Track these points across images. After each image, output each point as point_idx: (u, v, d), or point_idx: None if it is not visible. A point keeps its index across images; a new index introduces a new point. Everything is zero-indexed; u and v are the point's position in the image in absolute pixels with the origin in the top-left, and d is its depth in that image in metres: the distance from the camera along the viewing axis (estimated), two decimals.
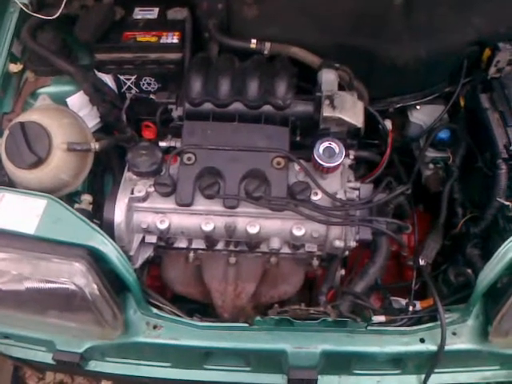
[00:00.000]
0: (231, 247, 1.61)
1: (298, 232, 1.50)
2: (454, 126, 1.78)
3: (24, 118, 1.52)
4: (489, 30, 1.69)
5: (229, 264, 1.60)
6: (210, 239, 1.57)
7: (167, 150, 1.60)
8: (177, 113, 1.64)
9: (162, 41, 1.69)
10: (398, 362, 1.57)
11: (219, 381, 1.64)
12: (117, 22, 1.73)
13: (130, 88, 1.76)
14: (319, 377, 1.52)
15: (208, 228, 1.50)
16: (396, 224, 1.54)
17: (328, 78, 1.60)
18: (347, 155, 1.57)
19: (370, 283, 1.59)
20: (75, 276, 1.34)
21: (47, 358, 1.62)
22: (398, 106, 1.84)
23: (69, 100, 1.70)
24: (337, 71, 1.64)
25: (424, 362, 1.53)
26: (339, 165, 1.50)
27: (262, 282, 1.61)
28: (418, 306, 1.61)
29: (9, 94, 1.69)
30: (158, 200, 1.53)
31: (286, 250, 1.60)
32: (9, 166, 1.49)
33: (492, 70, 1.71)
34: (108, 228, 1.47)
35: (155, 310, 1.52)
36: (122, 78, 1.73)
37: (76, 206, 1.58)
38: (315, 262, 1.62)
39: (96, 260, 1.35)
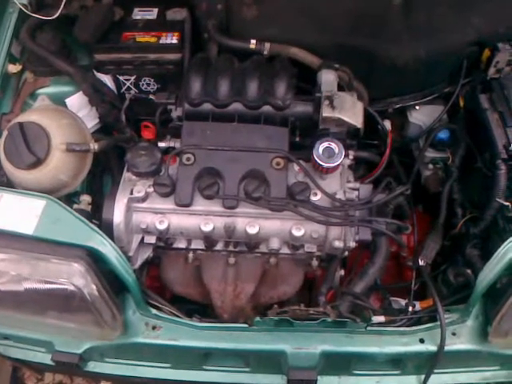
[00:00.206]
0: (230, 248, 1.61)
1: (298, 232, 1.50)
2: (453, 127, 1.77)
3: (23, 118, 1.52)
4: (488, 30, 1.69)
5: (228, 264, 1.59)
6: (209, 240, 1.56)
7: (166, 151, 1.59)
8: (176, 113, 1.64)
9: (161, 41, 1.69)
10: (398, 363, 1.57)
11: (218, 381, 1.64)
12: (116, 23, 1.73)
13: (129, 88, 1.75)
14: (319, 377, 1.52)
15: (207, 228, 1.50)
16: (395, 224, 1.54)
17: (327, 79, 1.60)
18: (347, 155, 1.57)
19: (369, 283, 1.59)
20: (74, 276, 1.34)
21: (46, 358, 1.62)
22: (398, 106, 1.84)
23: (68, 100, 1.70)
24: (336, 72, 1.64)
25: (424, 363, 1.53)
26: (339, 165, 1.50)
27: (262, 282, 1.60)
28: (418, 306, 1.60)
29: (8, 95, 1.69)
30: (158, 200, 1.53)
31: (285, 250, 1.60)
32: (8, 166, 1.49)
33: (491, 70, 1.71)
34: (107, 228, 1.47)
35: (154, 311, 1.52)
36: (121, 78, 1.73)
37: (75, 206, 1.57)
38: (315, 263, 1.62)
39: (95, 260, 1.35)
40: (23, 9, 1.69)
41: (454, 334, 1.50)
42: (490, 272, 1.40)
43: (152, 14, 1.78)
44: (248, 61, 1.65)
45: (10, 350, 1.70)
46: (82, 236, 1.35)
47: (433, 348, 1.48)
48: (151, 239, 1.58)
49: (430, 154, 1.81)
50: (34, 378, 2.54)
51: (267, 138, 1.55)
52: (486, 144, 1.61)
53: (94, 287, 1.36)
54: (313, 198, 1.51)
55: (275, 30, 1.71)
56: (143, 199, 1.52)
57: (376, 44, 1.69)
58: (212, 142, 1.54)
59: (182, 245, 1.62)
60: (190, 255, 1.62)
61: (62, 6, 1.65)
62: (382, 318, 1.52)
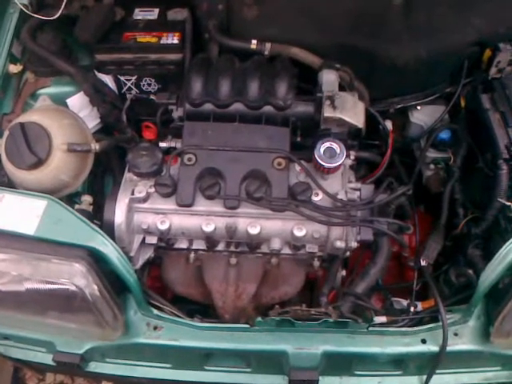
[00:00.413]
0: (232, 248, 1.61)
1: (299, 233, 1.50)
2: (454, 127, 1.77)
3: (24, 118, 1.51)
4: (489, 30, 1.69)
5: (229, 265, 1.59)
6: (210, 240, 1.56)
7: (167, 151, 1.59)
8: (177, 113, 1.64)
9: (162, 41, 1.69)
10: (400, 363, 1.57)
11: (220, 382, 1.63)
12: (117, 23, 1.73)
13: (130, 89, 1.75)
14: (320, 378, 1.52)
15: (209, 229, 1.50)
16: (397, 224, 1.54)
17: (329, 79, 1.60)
18: (348, 156, 1.57)
19: (371, 284, 1.58)
20: (75, 277, 1.34)
21: (47, 359, 1.62)
22: (399, 106, 1.84)
23: (69, 101, 1.69)
24: (337, 72, 1.63)
25: (425, 363, 1.53)
26: (340, 165, 1.50)
27: (263, 282, 1.60)
28: (420, 306, 1.60)
29: (9, 95, 1.69)
30: (159, 201, 1.53)
31: (286, 250, 1.59)
32: (9, 166, 1.49)
33: (493, 70, 1.71)
34: (108, 229, 1.47)
35: (156, 311, 1.52)
36: (122, 78, 1.73)
37: (76, 206, 1.57)
38: (316, 263, 1.62)
39: (96, 261, 1.35)
40: (24, 9, 1.69)
41: (455, 334, 1.50)
42: (491, 272, 1.39)
43: (153, 14, 1.78)
44: (249, 61, 1.65)
45: (11, 350, 1.70)
46: (84, 236, 1.35)
47: (435, 348, 1.48)
48: (152, 239, 1.58)
49: (432, 154, 1.81)
50: (35, 379, 2.53)
51: (268, 138, 1.55)
52: (487, 144, 1.61)
53: (96, 287, 1.36)
54: (314, 199, 1.50)
55: (276, 30, 1.71)
56: (144, 199, 1.52)
57: (376, 44, 1.69)
58: (213, 142, 1.54)
59: (183, 245, 1.61)
60: (192, 255, 1.61)
61: (62, 6, 1.65)
62: (383, 319, 1.51)
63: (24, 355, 1.69)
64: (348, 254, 1.59)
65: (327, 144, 1.49)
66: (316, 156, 1.48)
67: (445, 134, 1.78)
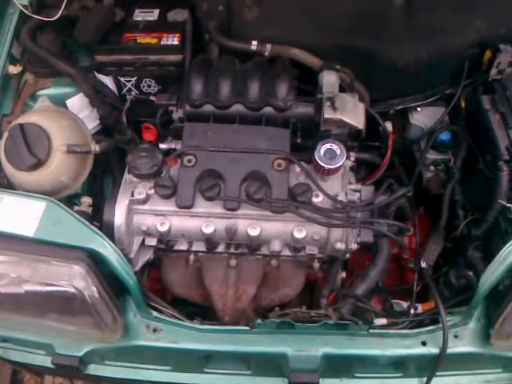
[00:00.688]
0: (232, 250, 1.60)
1: (299, 234, 1.49)
2: (455, 128, 1.77)
3: (23, 119, 1.51)
4: (489, 32, 1.69)
5: (229, 266, 1.59)
6: (210, 241, 1.56)
7: (167, 152, 1.59)
8: (177, 114, 1.64)
9: (162, 42, 1.68)
10: (400, 365, 1.56)
11: None
12: (117, 24, 1.73)
13: (130, 90, 1.75)
14: (320, 380, 1.51)
15: (208, 230, 1.50)
16: (397, 226, 1.54)
17: (329, 80, 1.60)
18: (348, 157, 1.57)
19: (371, 286, 1.58)
20: (75, 279, 1.33)
21: (46, 361, 1.61)
22: (399, 107, 1.84)
23: (68, 102, 1.69)
24: (338, 73, 1.63)
25: (426, 365, 1.52)
26: (340, 167, 1.50)
27: (263, 284, 1.60)
28: (420, 308, 1.60)
29: (8, 96, 1.69)
30: (159, 202, 1.52)
31: (286, 252, 1.59)
32: (8, 167, 1.48)
33: (493, 71, 1.71)
34: (108, 230, 1.46)
35: (155, 313, 1.51)
36: (122, 79, 1.72)
37: (76, 208, 1.57)
38: (316, 265, 1.62)
39: (96, 263, 1.35)
40: (24, 10, 1.69)
41: (456, 336, 1.49)
42: (492, 274, 1.39)
43: (153, 15, 1.77)
44: (249, 62, 1.65)
45: (9, 352, 1.69)
46: (83, 238, 1.34)
47: (435, 350, 1.47)
48: (152, 241, 1.57)
49: (432, 155, 1.81)
50: (33, 381, 2.53)
51: (268, 140, 1.55)
52: (487, 145, 1.61)
53: (95, 289, 1.35)
54: (314, 200, 1.50)
55: (276, 31, 1.71)
56: (144, 201, 1.52)
57: (377, 45, 1.69)
58: (213, 144, 1.53)
59: (183, 247, 1.61)
60: (191, 257, 1.61)
61: (62, 6, 1.64)
62: (383, 321, 1.51)
63: (23, 358, 1.69)
64: (348, 255, 1.59)
65: (327, 145, 1.48)
66: (316, 157, 1.47)
67: (445, 136, 1.78)
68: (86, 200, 1.59)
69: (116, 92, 1.75)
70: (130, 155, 1.52)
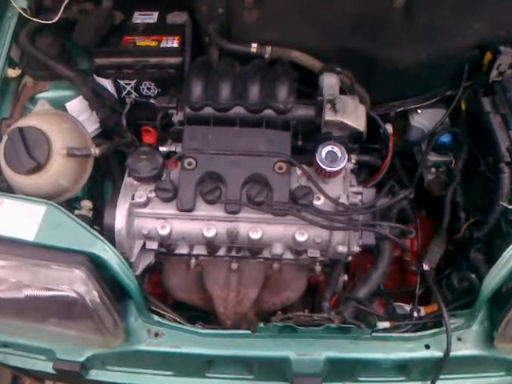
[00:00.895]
0: (233, 253, 1.59)
1: (301, 237, 1.49)
2: (455, 130, 1.77)
3: (23, 123, 1.50)
4: (489, 34, 1.69)
5: (231, 270, 1.58)
6: (211, 245, 1.55)
7: (167, 155, 1.58)
8: (177, 117, 1.63)
9: (161, 45, 1.68)
10: (403, 369, 1.55)
11: None
12: (116, 27, 1.72)
13: (129, 93, 1.74)
14: None
15: (210, 234, 1.49)
16: (399, 229, 1.53)
17: (329, 82, 1.60)
18: (349, 159, 1.56)
19: (373, 289, 1.58)
20: (75, 283, 1.32)
21: (47, 367, 1.59)
22: (399, 110, 1.83)
23: (68, 105, 1.69)
24: (338, 75, 1.63)
25: (429, 369, 1.51)
26: (342, 169, 1.49)
27: (265, 288, 1.59)
28: (423, 311, 1.59)
29: (7, 99, 1.68)
30: (159, 205, 1.51)
31: (288, 255, 1.58)
32: (7, 171, 1.47)
33: (493, 73, 1.70)
34: (108, 234, 1.46)
35: (157, 318, 1.50)
36: (121, 82, 1.72)
37: (76, 212, 1.56)
38: (318, 268, 1.61)
39: (96, 267, 1.34)
40: (22, 13, 1.68)
41: (459, 339, 1.48)
42: (495, 277, 1.39)
43: (152, 17, 1.77)
44: (249, 64, 1.64)
45: (9, 357, 1.67)
46: (84, 242, 1.33)
47: (438, 354, 1.46)
48: (153, 245, 1.57)
49: (433, 157, 1.81)
50: None
51: (269, 142, 1.54)
52: (489, 147, 1.61)
53: (96, 294, 1.34)
54: (316, 203, 1.49)
55: (276, 33, 1.71)
56: (145, 204, 1.51)
57: (377, 47, 1.68)
58: (214, 147, 1.53)
59: (184, 250, 1.60)
60: (192, 261, 1.60)
61: (61, 9, 1.64)
62: (386, 324, 1.50)
63: (23, 363, 1.67)
64: (350, 258, 1.58)
65: (328, 148, 1.48)
66: (317, 160, 1.47)
67: (446, 138, 1.77)
68: (87, 204, 1.58)
69: (115, 95, 1.74)
70: (130, 158, 1.51)
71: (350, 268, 1.72)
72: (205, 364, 1.56)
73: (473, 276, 1.57)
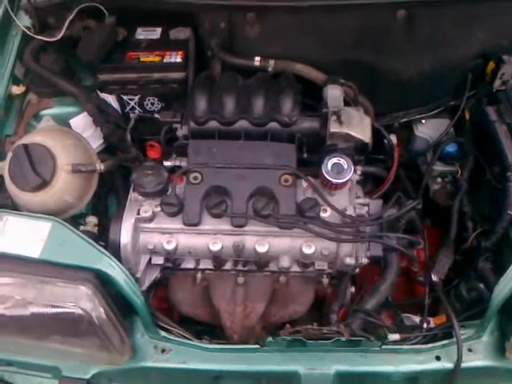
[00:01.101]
0: (239, 267, 1.59)
1: (308, 250, 1.48)
2: (461, 140, 1.77)
3: (27, 139, 1.50)
4: (492, 43, 1.70)
5: (237, 284, 1.57)
6: (217, 259, 1.54)
7: (172, 170, 1.58)
8: (182, 132, 1.63)
9: (165, 60, 1.68)
10: (414, 381, 1.53)
11: None
12: (119, 43, 1.73)
13: (133, 108, 1.74)
14: None
15: (216, 248, 1.48)
16: (407, 239, 1.52)
17: (333, 94, 1.60)
18: (355, 171, 1.55)
19: (381, 300, 1.56)
20: (81, 300, 1.31)
21: None
22: (403, 120, 1.84)
23: (72, 121, 1.69)
24: (342, 87, 1.63)
25: (439, 381, 1.49)
26: (348, 181, 1.49)
27: (272, 301, 1.57)
28: (432, 322, 1.57)
29: (11, 116, 1.69)
30: (165, 220, 1.51)
31: (295, 268, 1.57)
32: (12, 188, 1.47)
33: (497, 82, 1.71)
34: (114, 250, 1.45)
35: (163, 333, 1.48)
36: (125, 98, 1.72)
37: (81, 228, 1.55)
38: (325, 280, 1.60)
39: (102, 283, 1.32)
40: (26, 31, 1.69)
41: (470, 350, 1.47)
42: (504, 287, 1.38)
43: (155, 33, 1.77)
44: (253, 78, 1.65)
45: (14, 376, 1.65)
46: (89, 258, 1.32)
47: (449, 365, 1.44)
48: (159, 260, 1.56)
49: (439, 167, 1.81)
50: None
51: (274, 155, 1.54)
52: (495, 156, 1.60)
53: (102, 310, 1.33)
54: (322, 215, 1.49)
55: (278, 47, 1.72)
56: (150, 219, 1.50)
57: (380, 58, 1.69)
58: (219, 160, 1.52)
59: (190, 265, 1.59)
60: (199, 275, 1.59)
61: (65, 27, 1.64)
62: (396, 336, 1.48)
63: (28, 382, 1.64)
64: (357, 270, 1.57)
65: (334, 160, 1.47)
66: (324, 172, 1.46)
67: (451, 148, 1.77)
68: (92, 220, 1.57)
69: (119, 110, 1.74)
70: (135, 173, 1.51)
71: (357, 280, 1.70)
72: (213, 380, 1.54)
73: (481, 286, 1.56)
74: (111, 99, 1.71)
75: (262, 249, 1.47)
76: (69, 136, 1.58)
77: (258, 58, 1.68)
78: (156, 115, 1.69)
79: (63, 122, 1.68)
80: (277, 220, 1.46)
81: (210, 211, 1.48)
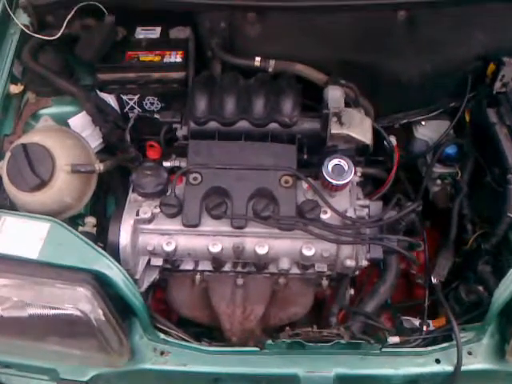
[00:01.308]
0: (239, 268, 1.58)
1: (308, 252, 1.47)
2: (461, 142, 1.77)
3: (26, 139, 1.49)
4: (492, 45, 1.69)
5: (236, 286, 1.56)
6: (217, 261, 1.53)
7: (172, 170, 1.57)
8: (181, 132, 1.62)
9: (165, 60, 1.67)
10: None
11: None
12: (119, 42, 1.71)
13: (132, 108, 1.73)
14: None
15: (215, 249, 1.47)
16: (407, 241, 1.51)
17: (334, 95, 1.59)
18: (355, 172, 1.55)
19: (380, 302, 1.56)
20: (80, 301, 1.30)
21: None
22: (403, 122, 1.83)
23: (71, 121, 1.67)
24: (343, 88, 1.62)
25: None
26: (348, 182, 1.48)
27: (271, 303, 1.57)
28: (432, 325, 1.57)
29: (9, 116, 1.67)
30: (164, 221, 1.50)
31: (295, 270, 1.57)
32: (11, 188, 1.46)
33: (497, 84, 1.70)
34: (113, 251, 1.44)
35: (162, 335, 1.48)
36: (124, 97, 1.71)
37: (80, 228, 1.54)
38: (325, 282, 1.59)
39: (101, 284, 1.32)
40: (25, 29, 1.68)
41: (470, 353, 1.46)
42: (505, 290, 1.38)
43: (155, 32, 1.76)
44: (253, 78, 1.64)
45: (12, 378, 1.64)
46: (88, 259, 1.32)
47: (449, 368, 1.44)
48: (158, 261, 1.54)
49: (438, 169, 1.80)
50: None
51: (275, 156, 1.53)
52: (495, 158, 1.60)
53: (101, 312, 1.32)
54: (323, 217, 1.48)
55: (279, 47, 1.71)
56: (150, 220, 1.49)
57: (380, 59, 1.68)
58: (219, 161, 1.51)
59: (189, 266, 1.58)
60: (198, 277, 1.58)
61: (63, 26, 1.63)
62: (396, 339, 1.48)
63: None
64: (357, 272, 1.56)
65: (335, 161, 1.47)
66: (324, 173, 1.46)
67: (451, 149, 1.77)
68: (90, 220, 1.56)
69: (118, 110, 1.73)
70: (134, 174, 1.50)
71: (356, 282, 1.70)
72: (212, 382, 1.53)
73: (481, 289, 1.56)
74: (110, 99, 1.70)
75: (261, 250, 1.46)
76: (68, 136, 1.57)
77: (258, 59, 1.66)
78: (156, 115, 1.68)
79: (62, 121, 1.66)
80: (277, 221, 1.45)
81: (209, 212, 1.47)
